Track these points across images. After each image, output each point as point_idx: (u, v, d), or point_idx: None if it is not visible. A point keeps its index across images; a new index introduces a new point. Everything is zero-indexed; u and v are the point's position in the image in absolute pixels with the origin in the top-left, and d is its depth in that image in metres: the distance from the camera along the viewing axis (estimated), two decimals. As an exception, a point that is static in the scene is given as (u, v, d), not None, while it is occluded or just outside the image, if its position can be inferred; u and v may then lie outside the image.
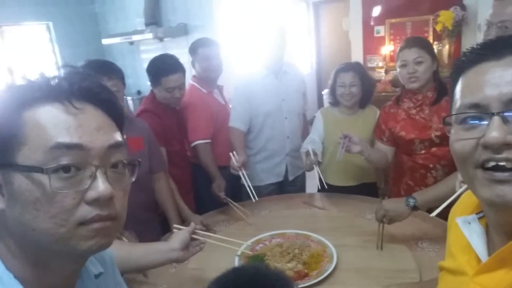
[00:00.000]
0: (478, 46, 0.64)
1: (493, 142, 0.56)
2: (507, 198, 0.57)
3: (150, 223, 1.91)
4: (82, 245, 0.57)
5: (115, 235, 0.63)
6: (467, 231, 0.70)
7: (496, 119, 0.57)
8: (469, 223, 0.71)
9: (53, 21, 4.57)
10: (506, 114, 0.57)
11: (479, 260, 0.67)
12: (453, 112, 0.65)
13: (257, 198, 1.97)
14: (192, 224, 1.31)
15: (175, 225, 1.38)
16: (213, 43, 2.39)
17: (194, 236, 1.29)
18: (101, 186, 0.57)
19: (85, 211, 0.56)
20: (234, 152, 2.04)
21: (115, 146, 0.61)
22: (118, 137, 0.63)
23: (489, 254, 0.66)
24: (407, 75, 1.79)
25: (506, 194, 0.57)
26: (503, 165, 0.57)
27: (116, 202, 0.60)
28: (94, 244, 0.58)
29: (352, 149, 1.82)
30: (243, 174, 1.99)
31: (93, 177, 0.57)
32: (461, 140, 0.62)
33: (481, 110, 0.60)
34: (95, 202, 0.57)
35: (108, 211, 0.58)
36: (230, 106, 2.47)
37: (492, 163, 0.58)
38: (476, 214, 0.72)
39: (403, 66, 1.80)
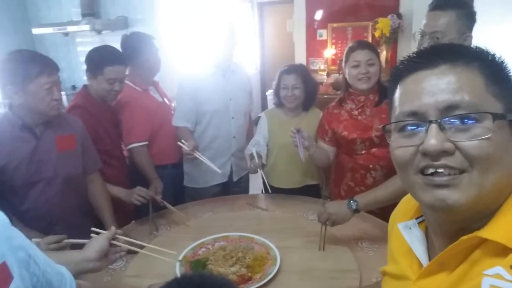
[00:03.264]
0: (414, 55, 0.66)
1: (431, 150, 0.58)
2: (447, 202, 0.58)
3: (84, 227, 1.77)
4: None
5: None
6: (408, 236, 0.72)
7: (433, 126, 0.58)
8: (410, 228, 0.73)
9: (-25, 5, 4.15)
10: (443, 120, 0.58)
11: (420, 264, 0.69)
12: (392, 120, 0.67)
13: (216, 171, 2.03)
14: (112, 228, 1.20)
15: (92, 229, 1.25)
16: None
17: (114, 242, 1.18)
18: None
19: None
20: (182, 141, 2.01)
21: None
22: None
23: (430, 258, 0.68)
24: (359, 75, 1.82)
25: (446, 198, 0.58)
26: (441, 172, 0.59)
27: None
28: None
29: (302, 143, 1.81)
30: (198, 155, 2.00)
31: None
32: (401, 148, 0.63)
33: (419, 118, 0.61)
34: None
35: None
36: (172, 104, 2.38)
37: (431, 170, 0.59)
38: (416, 219, 0.74)
39: (355, 66, 1.82)
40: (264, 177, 2.00)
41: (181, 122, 2.19)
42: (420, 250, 0.70)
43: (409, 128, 0.63)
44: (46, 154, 1.62)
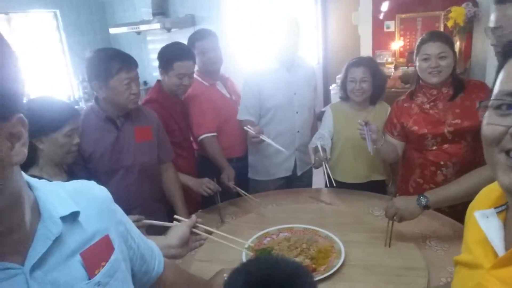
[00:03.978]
0: None
1: None
2: None
3: (157, 213, 1.90)
4: None
5: None
6: (484, 224, 0.71)
7: None
8: (487, 217, 0.72)
9: (60, 9, 4.55)
10: None
11: (495, 253, 0.67)
12: (492, 97, 0.66)
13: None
14: (193, 217, 1.25)
15: (175, 216, 1.32)
16: (209, 35, 2.35)
17: (195, 230, 1.22)
18: None
19: None
20: (248, 126, 2.08)
21: None
22: None
23: (506, 248, 0.66)
24: (429, 69, 1.75)
25: None
26: None
27: None
28: None
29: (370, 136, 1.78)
30: (264, 137, 2.06)
31: None
32: (492, 125, 0.63)
33: None
34: None
35: None
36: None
37: None
38: (495, 208, 0.72)
39: (425, 59, 1.76)
40: (329, 171, 1.99)
41: (245, 116, 2.25)
42: (496, 239, 0.68)
43: (505, 108, 0.62)
44: (126, 144, 1.76)
